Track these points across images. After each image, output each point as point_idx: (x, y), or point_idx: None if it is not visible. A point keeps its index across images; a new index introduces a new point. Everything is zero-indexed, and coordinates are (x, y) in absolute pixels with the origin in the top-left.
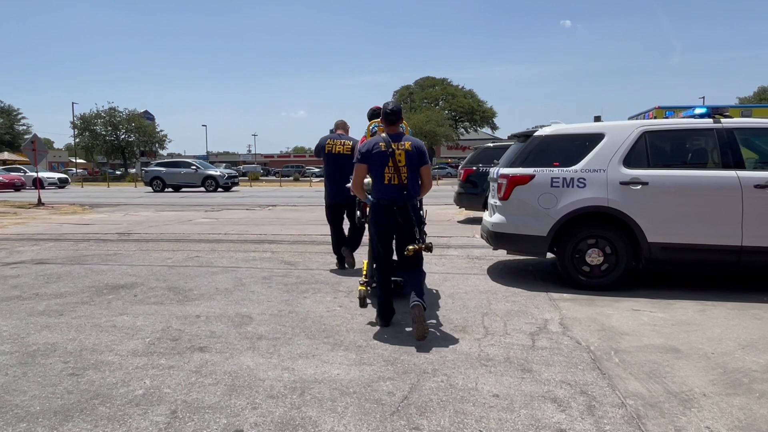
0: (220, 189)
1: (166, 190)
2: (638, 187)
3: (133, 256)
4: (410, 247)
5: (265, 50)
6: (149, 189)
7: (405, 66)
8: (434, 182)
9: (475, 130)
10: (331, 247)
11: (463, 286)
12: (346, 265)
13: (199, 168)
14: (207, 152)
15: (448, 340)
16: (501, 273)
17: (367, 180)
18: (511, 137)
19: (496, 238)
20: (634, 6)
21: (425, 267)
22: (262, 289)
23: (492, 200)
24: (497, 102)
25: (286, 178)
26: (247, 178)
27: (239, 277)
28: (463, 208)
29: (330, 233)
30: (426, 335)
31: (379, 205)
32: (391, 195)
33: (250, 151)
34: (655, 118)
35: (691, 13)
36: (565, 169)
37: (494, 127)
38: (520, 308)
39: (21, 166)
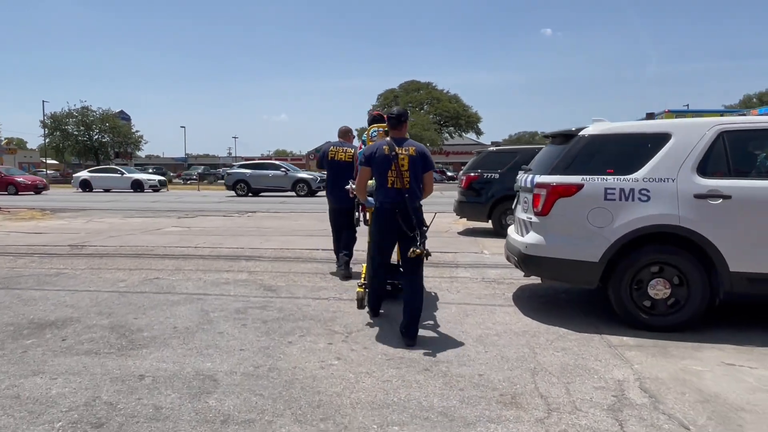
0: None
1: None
2: (718, 202)
3: (78, 278)
4: (411, 250)
5: (247, 52)
6: (228, 193)
7: (388, 71)
8: None
9: (460, 135)
10: (320, 266)
11: (492, 325)
12: (342, 276)
13: (288, 170)
14: (186, 154)
15: (500, 422)
16: (531, 303)
17: (371, 182)
18: (546, 136)
19: (530, 262)
20: (612, 16)
21: (439, 294)
22: (234, 329)
23: (523, 215)
24: (479, 108)
25: None
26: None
27: (205, 310)
28: (464, 218)
29: (332, 237)
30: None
31: (383, 208)
32: (394, 198)
33: (230, 153)
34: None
35: (667, 24)
36: (622, 177)
37: (479, 132)
38: (578, 361)
39: (117, 167)
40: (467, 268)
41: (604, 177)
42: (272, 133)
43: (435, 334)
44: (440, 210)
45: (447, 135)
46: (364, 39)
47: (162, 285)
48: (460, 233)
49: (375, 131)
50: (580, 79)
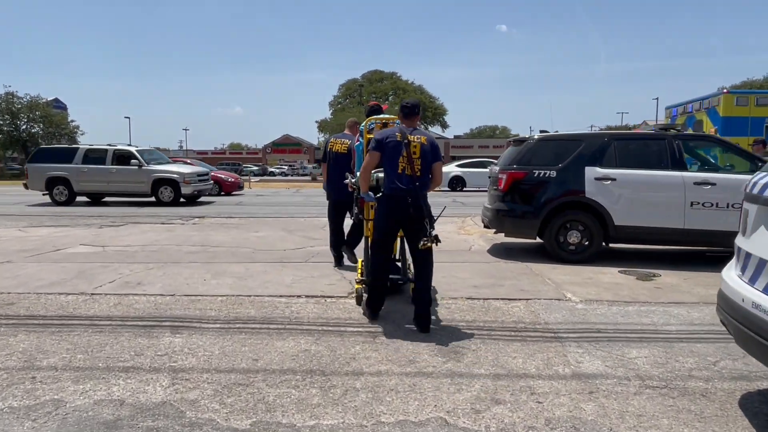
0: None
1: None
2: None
3: None
4: (422, 242)
5: (198, 42)
6: None
7: (347, 63)
8: None
9: (426, 128)
10: (310, 343)
11: None
12: (348, 261)
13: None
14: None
15: None
16: None
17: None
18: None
19: None
20: (564, 15)
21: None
22: None
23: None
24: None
25: None
26: None
27: None
28: (504, 233)
29: (329, 230)
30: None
31: (392, 196)
32: (407, 185)
33: (181, 147)
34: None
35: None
36: None
37: (444, 125)
38: None
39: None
40: (578, 342)
41: None
42: (226, 126)
43: None
44: (435, 214)
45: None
46: (321, 32)
47: None
48: (494, 254)
49: (372, 123)
50: (535, 75)
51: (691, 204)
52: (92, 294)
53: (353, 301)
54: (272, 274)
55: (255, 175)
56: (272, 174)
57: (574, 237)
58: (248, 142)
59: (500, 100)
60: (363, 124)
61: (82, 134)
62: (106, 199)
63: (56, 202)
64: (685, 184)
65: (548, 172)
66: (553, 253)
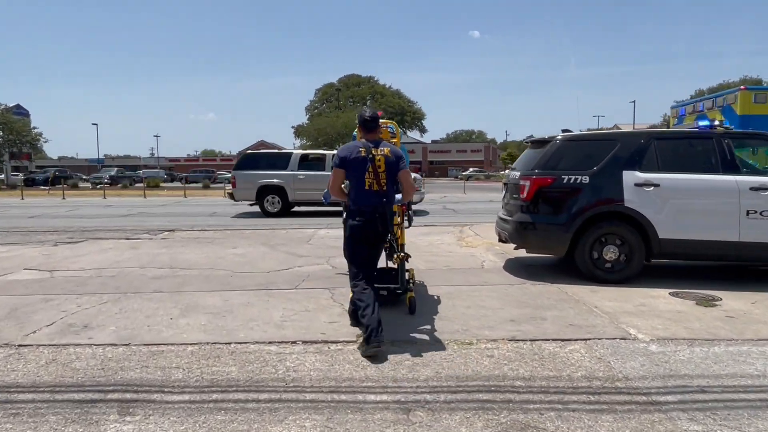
0: None
1: None
2: None
3: None
4: (396, 255)
5: (169, 47)
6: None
7: (323, 68)
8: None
9: (404, 133)
10: None
11: None
12: None
13: None
14: (104, 155)
15: None
16: None
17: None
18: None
19: None
20: (534, 20)
21: None
22: None
23: None
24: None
25: (194, 185)
26: (143, 184)
27: None
28: (527, 249)
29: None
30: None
31: (360, 211)
32: (372, 201)
33: (153, 154)
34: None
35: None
36: None
37: (423, 130)
38: None
39: None
40: (687, 412)
41: None
42: (199, 132)
43: None
44: (428, 223)
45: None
46: (295, 38)
47: None
48: (513, 272)
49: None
50: (509, 79)
51: (747, 213)
52: (19, 346)
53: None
54: (257, 308)
55: (229, 182)
56: None
57: (611, 253)
58: (222, 149)
59: (475, 104)
60: (355, 132)
61: (45, 142)
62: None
63: (266, 213)
64: (739, 190)
65: (580, 177)
66: (586, 271)
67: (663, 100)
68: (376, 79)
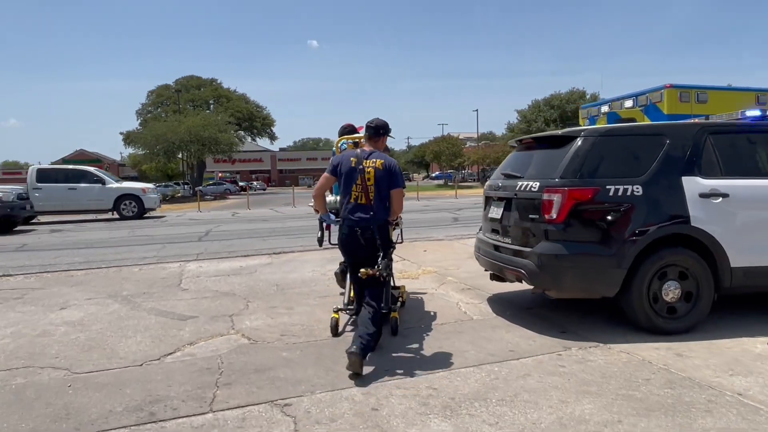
0: None
1: None
2: None
3: None
4: (363, 270)
5: None
6: None
7: (151, 72)
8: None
9: (253, 139)
10: None
11: None
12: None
13: None
14: None
15: None
16: None
17: (331, 198)
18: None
19: None
20: (372, 33)
21: None
22: None
23: None
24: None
25: None
26: None
27: None
28: (560, 292)
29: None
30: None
31: (345, 225)
32: (357, 215)
33: None
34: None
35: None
36: None
37: (273, 137)
38: None
39: None
40: None
41: None
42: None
43: None
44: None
45: (245, 138)
46: (120, 38)
47: None
48: (527, 325)
49: (344, 143)
50: (348, 89)
51: None
52: None
53: None
54: None
55: None
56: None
57: (672, 292)
58: (29, 160)
59: (320, 112)
60: (335, 145)
61: None
62: None
63: None
64: None
65: (630, 187)
66: (644, 320)
67: (503, 107)
68: (219, 82)
